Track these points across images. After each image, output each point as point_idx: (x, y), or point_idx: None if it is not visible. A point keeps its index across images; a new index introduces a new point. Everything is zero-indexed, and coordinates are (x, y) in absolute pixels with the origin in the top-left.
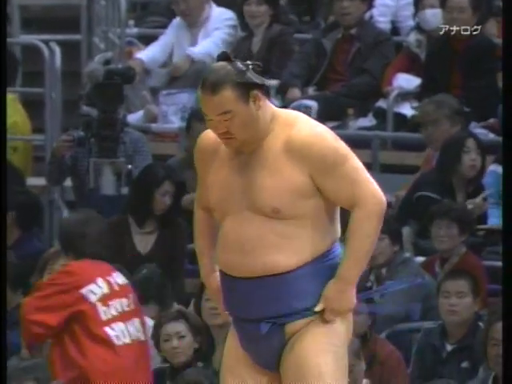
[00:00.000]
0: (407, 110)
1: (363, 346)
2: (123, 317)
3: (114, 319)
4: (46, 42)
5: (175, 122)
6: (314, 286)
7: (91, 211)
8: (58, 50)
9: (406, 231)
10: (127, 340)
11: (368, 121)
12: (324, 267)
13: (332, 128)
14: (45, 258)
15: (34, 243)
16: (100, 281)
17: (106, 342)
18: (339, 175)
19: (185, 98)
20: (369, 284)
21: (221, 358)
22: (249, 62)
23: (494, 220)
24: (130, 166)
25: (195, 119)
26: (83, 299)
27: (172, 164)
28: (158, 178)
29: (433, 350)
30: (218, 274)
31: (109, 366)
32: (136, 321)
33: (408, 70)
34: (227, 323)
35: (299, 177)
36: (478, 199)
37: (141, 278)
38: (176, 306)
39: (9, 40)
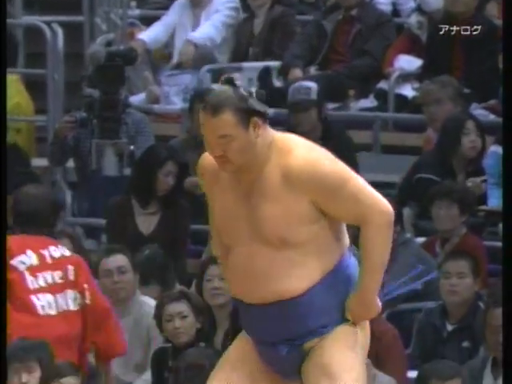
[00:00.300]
0: (408, 91)
1: None
2: (52, 288)
3: (42, 290)
4: (49, 24)
5: (177, 103)
6: (327, 303)
7: (40, 187)
8: (60, 31)
9: (407, 212)
10: (53, 312)
11: (369, 102)
12: (335, 281)
13: (333, 109)
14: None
15: None
16: (29, 252)
17: (31, 309)
18: (342, 198)
19: (187, 79)
20: None
21: (222, 338)
22: (252, 89)
23: (495, 201)
24: (132, 147)
25: (197, 100)
26: (12, 269)
27: (174, 145)
28: (161, 159)
29: (433, 329)
30: None
31: (30, 334)
32: (70, 292)
33: (409, 52)
34: (228, 303)
35: (301, 205)
36: (478, 180)
37: (143, 259)
38: (178, 287)
39: (11, 21)
